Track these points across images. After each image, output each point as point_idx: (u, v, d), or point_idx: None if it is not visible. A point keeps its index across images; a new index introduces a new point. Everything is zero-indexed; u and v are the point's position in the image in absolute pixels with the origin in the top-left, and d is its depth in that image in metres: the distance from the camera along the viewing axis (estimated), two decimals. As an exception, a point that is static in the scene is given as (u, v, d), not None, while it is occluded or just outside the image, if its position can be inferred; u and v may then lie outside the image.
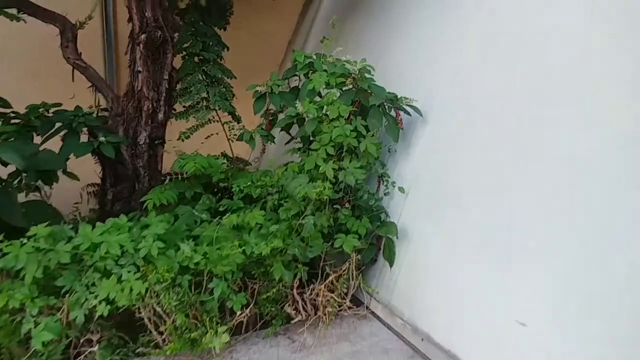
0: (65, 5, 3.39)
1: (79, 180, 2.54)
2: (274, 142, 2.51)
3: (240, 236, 1.85)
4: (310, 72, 2.44)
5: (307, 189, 1.79)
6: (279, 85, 2.42)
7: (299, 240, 1.84)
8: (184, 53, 3.50)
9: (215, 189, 2.65)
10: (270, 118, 2.64)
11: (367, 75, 2.20)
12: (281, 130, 2.32)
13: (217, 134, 3.30)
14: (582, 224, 1.29)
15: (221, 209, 2.34)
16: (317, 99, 2.33)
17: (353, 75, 2.13)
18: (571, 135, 1.40)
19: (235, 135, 2.96)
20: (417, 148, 2.09)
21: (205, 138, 3.26)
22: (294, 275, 1.81)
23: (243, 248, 1.72)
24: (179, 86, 3.30)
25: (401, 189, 2.02)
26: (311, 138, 2.11)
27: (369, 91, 2.13)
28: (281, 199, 2.16)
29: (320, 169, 1.90)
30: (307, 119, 2.11)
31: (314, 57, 2.44)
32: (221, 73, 3.37)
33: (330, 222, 1.95)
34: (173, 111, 3.27)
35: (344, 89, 2.15)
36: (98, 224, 1.72)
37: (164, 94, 3.08)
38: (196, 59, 3.50)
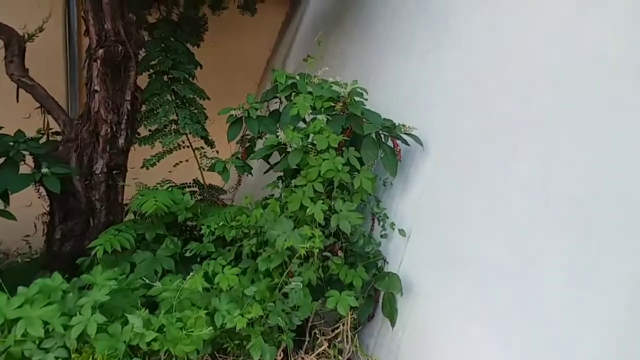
0: (25, 17, 2.98)
1: (15, 220, 2.09)
2: (250, 173, 2.15)
3: (208, 299, 1.47)
4: (293, 94, 2.12)
5: (293, 239, 1.44)
6: (256, 109, 2.08)
7: (283, 303, 1.48)
8: (151, 71, 3.12)
9: (183, 227, 2.25)
10: (247, 145, 2.29)
11: (357, 99, 1.91)
12: (257, 156, 1.97)
13: (187, 161, 2.91)
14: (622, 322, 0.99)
15: (188, 254, 1.95)
16: (301, 124, 2.01)
17: (343, 99, 1.82)
18: (609, 189, 1.11)
19: (207, 164, 2.59)
20: (417, 183, 1.79)
21: (174, 166, 2.87)
22: (278, 347, 1.44)
23: (212, 318, 1.34)
24: (143, 108, 2.90)
25: (402, 232, 1.70)
26: (294, 170, 1.77)
27: (362, 117, 1.83)
28: (260, 242, 1.79)
29: (308, 210, 1.55)
30: (290, 149, 1.77)
31: (297, 77, 2.12)
32: (193, 93, 3.01)
33: (319, 274, 1.60)
34: (137, 136, 2.87)
35: (332, 114, 1.83)
36: (20, 289, 1.30)
37: (125, 117, 2.68)
38: (165, 77, 3.13)
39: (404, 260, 1.72)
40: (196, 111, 3.01)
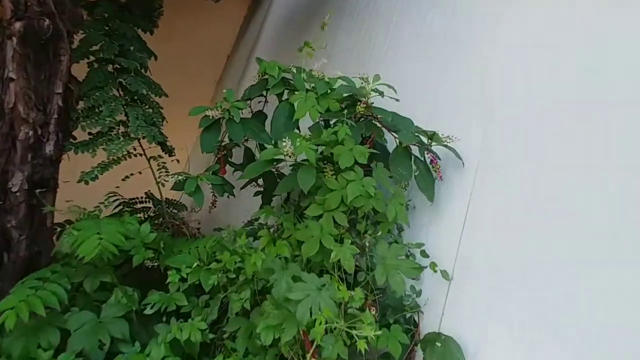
0: None
1: None
2: (232, 194, 1.61)
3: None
4: (287, 92, 1.62)
5: (326, 309, 0.94)
6: (239, 109, 1.55)
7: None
8: (92, 58, 2.44)
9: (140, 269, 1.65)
10: (224, 153, 1.74)
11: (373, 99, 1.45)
12: (248, 175, 1.43)
13: (140, 173, 2.28)
14: None
15: (148, 311, 1.37)
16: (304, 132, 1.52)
17: (363, 99, 1.36)
18: None
19: (165, 178, 1.98)
20: (456, 208, 1.37)
21: (122, 180, 2.22)
22: None
23: None
24: (81, 105, 2.23)
25: (445, 274, 1.27)
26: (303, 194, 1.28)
27: (384, 124, 1.38)
28: (254, 292, 1.28)
29: (333, 255, 1.07)
30: (299, 166, 1.27)
31: (293, 70, 1.63)
32: (146, 88, 2.38)
33: (347, 341, 1.13)
34: (72, 141, 2.18)
35: (345, 119, 1.36)
36: None
37: (55, 115, 2.00)
38: (110, 67, 2.46)
39: (447, 311, 1.30)
40: (151, 110, 2.38)
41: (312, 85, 1.61)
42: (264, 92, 1.70)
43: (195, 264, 1.41)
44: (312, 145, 1.18)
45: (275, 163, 1.28)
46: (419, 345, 1.22)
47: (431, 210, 1.44)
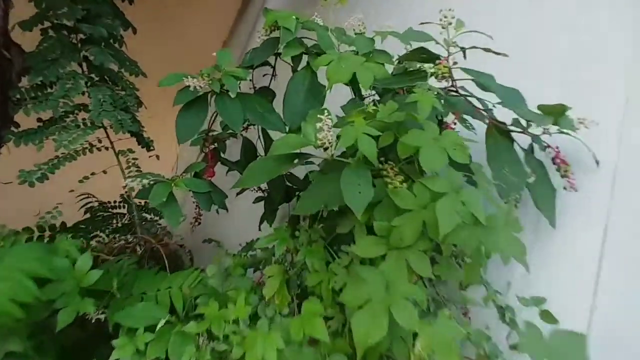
0: None
1: None
2: (224, 206, 1.05)
3: None
4: (311, 54, 1.07)
5: None
6: (237, 79, 1.00)
7: None
8: (48, 24, 1.87)
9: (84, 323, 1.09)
10: (213, 147, 1.19)
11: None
12: (249, 182, 0.86)
13: (104, 172, 1.72)
14: None
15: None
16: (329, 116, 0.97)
17: (443, 60, 0.81)
18: None
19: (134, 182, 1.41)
20: (586, 232, 0.83)
21: (79, 182, 1.66)
22: None
23: None
24: (25, 81, 1.67)
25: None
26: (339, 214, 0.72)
27: (475, 99, 0.84)
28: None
29: (422, 346, 0.53)
30: (335, 166, 0.73)
31: (318, 22, 1.08)
32: (118, 64, 1.82)
33: None
34: (13, 129, 1.62)
35: (424, 83, 0.80)
36: None
37: (-17, 94, 1.44)
38: (72, 37, 1.89)
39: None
40: (123, 92, 1.82)
41: (345, 48, 1.07)
42: (273, 59, 1.16)
43: (162, 322, 0.86)
44: (371, 129, 0.63)
45: (296, 161, 0.72)
46: None
47: (538, 238, 0.89)
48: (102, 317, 0.94)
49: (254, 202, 1.44)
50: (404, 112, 0.68)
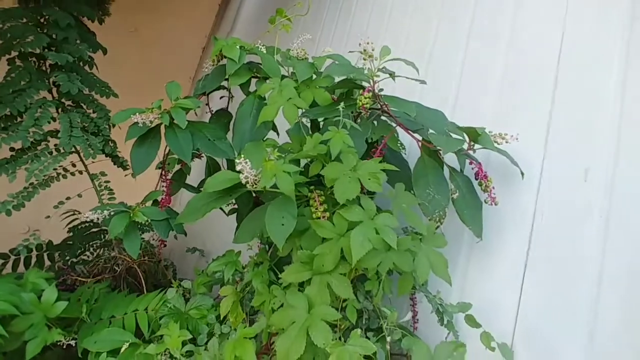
0: None
1: None
2: (183, 232, 1.11)
3: None
4: (256, 81, 1.12)
5: None
6: (185, 109, 1.05)
7: None
8: (13, 54, 1.90)
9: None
10: (169, 178, 1.24)
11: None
12: (185, 219, 0.91)
13: (79, 196, 1.77)
14: None
15: None
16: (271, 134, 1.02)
17: (369, 84, 0.86)
18: None
19: (97, 212, 1.45)
20: (512, 247, 0.90)
21: (54, 207, 1.71)
22: None
23: None
24: (-5, 112, 1.70)
25: (505, 350, 0.80)
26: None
27: (408, 121, 0.89)
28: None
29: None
30: (268, 196, 0.79)
31: (262, 49, 1.13)
32: (84, 87, 1.85)
33: None
34: (-16, 159, 1.67)
35: (342, 117, 0.86)
36: None
37: (-48, 129, 1.48)
38: (41, 63, 1.93)
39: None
40: (94, 115, 1.86)
41: (291, 69, 1.12)
42: (225, 83, 1.21)
43: (126, 345, 0.92)
44: (289, 166, 0.69)
45: (231, 195, 0.78)
46: None
47: (471, 251, 0.96)
48: (72, 342, 1.00)
49: (227, 215, 1.50)
50: (326, 146, 0.74)
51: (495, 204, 0.85)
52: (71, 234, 2.04)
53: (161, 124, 1.06)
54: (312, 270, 0.69)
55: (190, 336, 0.88)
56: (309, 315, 0.64)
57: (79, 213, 2.12)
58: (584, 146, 0.85)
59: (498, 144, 0.87)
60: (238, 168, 0.69)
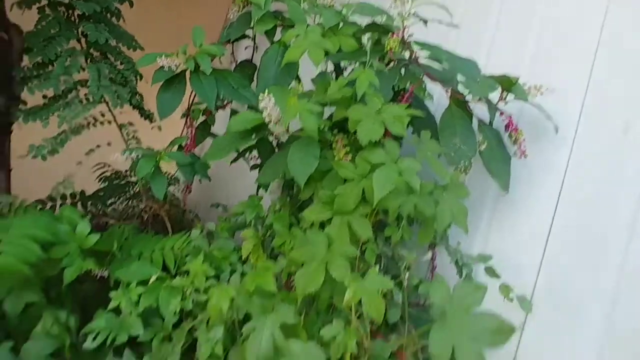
0: None
1: None
2: (207, 176, 1.14)
3: None
4: (282, 27, 1.10)
5: None
6: (211, 56, 1.05)
7: None
8: (45, 2, 1.92)
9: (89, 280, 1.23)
10: (193, 119, 1.26)
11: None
12: (210, 158, 0.93)
13: (109, 144, 1.83)
14: None
15: (89, 344, 0.97)
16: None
17: (395, 34, 0.82)
18: None
19: (126, 154, 1.48)
20: (540, 203, 0.87)
21: (86, 154, 1.78)
22: None
23: None
24: (25, 61, 1.75)
25: (524, 303, 0.80)
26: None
27: (438, 73, 0.86)
28: (231, 333, 0.85)
29: (349, 296, 0.61)
30: (282, 136, 0.79)
31: (287, -5, 1.09)
32: (111, 38, 1.87)
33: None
34: (20, 106, 1.74)
35: (369, 60, 0.83)
36: None
37: (-11, 74, 1.54)
38: (68, 13, 1.94)
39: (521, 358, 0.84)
40: (121, 66, 1.88)
41: (317, 18, 1.08)
42: (250, 30, 1.19)
43: (153, 279, 0.98)
44: (313, 105, 0.68)
45: (254, 136, 0.79)
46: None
47: (496, 205, 0.94)
48: (105, 273, 1.07)
49: (250, 170, 1.52)
50: (352, 88, 0.72)
51: (525, 157, 0.82)
52: (102, 185, 2.13)
53: (187, 70, 1.06)
54: (333, 210, 0.70)
55: (214, 272, 0.92)
56: (329, 251, 0.66)
57: (109, 166, 2.21)
58: (625, 100, 0.80)
59: (533, 96, 0.83)
60: (261, 105, 0.69)
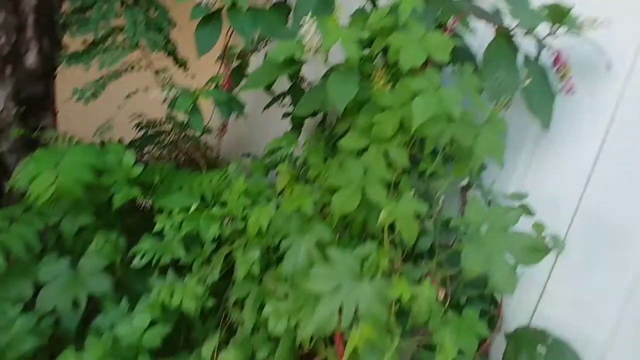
0: None
1: None
2: (242, 112, 1.16)
3: None
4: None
5: (367, 326, 0.53)
6: (249, -8, 1.03)
7: None
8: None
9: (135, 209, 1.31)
10: (235, 64, 1.28)
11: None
12: (250, 86, 0.95)
13: (146, 89, 1.88)
14: None
15: (137, 262, 1.06)
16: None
17: None
18: None
19: (165, 91, 1.52)
20: (583, 141, 0.85)
21: (126, 97, 1.84)
22: None
23: None
24: (66, 6, 1.78)
25: (557, 241, 0.80)
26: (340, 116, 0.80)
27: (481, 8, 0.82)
28: (267, 251, 0.90)
29: (384, 216, 0.64)
30: (332, 70, 0.79)
31: None
32: (147, -17, 1.86)
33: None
34: (61, 51, 1.79)
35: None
36: None
37: (32, 19, 1.59)
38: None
39: (548, 295, 0.86)
40: (156, 12, 1.89)
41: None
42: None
43: (193, 207, 1.04)
44: (354, 31, 0.68)
45: (291, 66, 0.79)
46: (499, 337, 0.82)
47: (536, 142, 0.92)
48: (149, 205, 1.15)
49: (282, 118, 1.53)
50: (393, 17, 0.71)
51: (572, 93, 0.79)
52: (139, 133, 2.21)
53: (224, 7, 1.06)
54: (370, 139, 0.71)
55: (250, 202, 0.97)
56: (365, 176, 0.68)
57: (144, 117, 2.28)
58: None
59: (587, 29, 0.78)
60: (304, 29, 0.69)
